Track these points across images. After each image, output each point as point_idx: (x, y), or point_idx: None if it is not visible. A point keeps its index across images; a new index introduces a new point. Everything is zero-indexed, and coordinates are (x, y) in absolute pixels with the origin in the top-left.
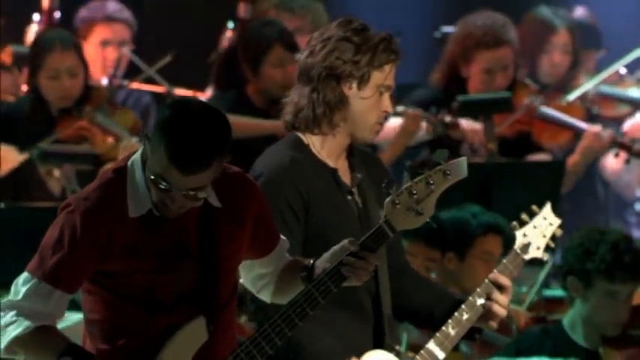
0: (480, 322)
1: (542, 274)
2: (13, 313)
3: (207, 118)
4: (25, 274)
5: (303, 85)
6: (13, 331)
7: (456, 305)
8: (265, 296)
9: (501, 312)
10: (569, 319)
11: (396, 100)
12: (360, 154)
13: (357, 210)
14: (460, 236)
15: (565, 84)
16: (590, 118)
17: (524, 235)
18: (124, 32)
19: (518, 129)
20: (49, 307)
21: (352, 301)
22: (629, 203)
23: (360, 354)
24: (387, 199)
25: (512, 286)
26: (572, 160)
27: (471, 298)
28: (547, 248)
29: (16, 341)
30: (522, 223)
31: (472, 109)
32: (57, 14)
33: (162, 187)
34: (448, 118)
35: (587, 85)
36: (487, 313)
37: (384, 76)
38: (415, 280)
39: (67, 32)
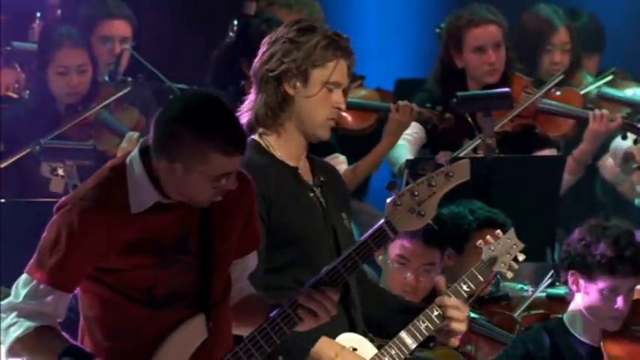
0: (440, 337)
1: (545, 280)
2: (14, 314)
3: (213, 99)
4: (24, 276)
5: (254, 89)
6: (14, 333)
7: (415, 312)
8: None
9: (459, 327)
10: (570, 314)
11: (397, 95)
12: (321, 164)
13: (321, 207)
14: (457, 231)
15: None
16: None
17: (491, 249)
18: (125, 29)
19: (520, 123)
20: (49, 307)
21: None
22: (629, 200)
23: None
24: (389, 200)
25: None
26: (581, 148)
27: (441, 298)
28: (510, 267)
29: (18, 342)
30: (488, 242)
31: (472, 105)
32: (58, 12)
33: (224, 182)
34: (443, 112)
35: (590, 87)
36: (447, 333)
37: (327, 72)
38: (373, 289)
39: (76, 29)
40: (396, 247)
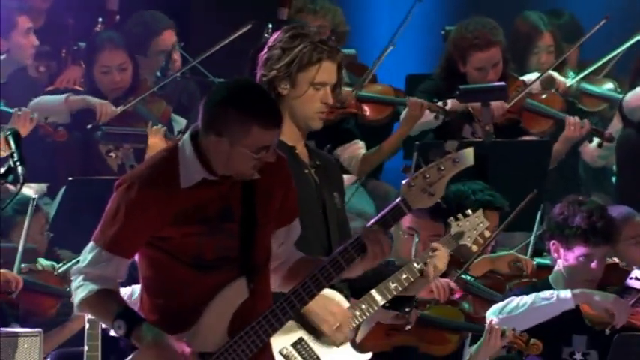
0: (419, 280)
1: (530, 247)
2: (81, 277)
3: (253, 84)
4: (90, 243)
5: None
6: (80, 294)
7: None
8: (274, 280)
9: (440, 264)
10: (553, 276)
11: (407, 88)
12: (318, 153)
13: (314, 184)
14: (458, 208)
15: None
16: (574, 111)
17: (459, 225)
18: (171, 36)
19: (508, 118)
20: (110, 271)
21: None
22: (607, 178)
23: None
24: (404, 182)
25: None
26: (555, 147)
27: (410, 263)
28: (476, 242)
29: (83, 302)
30: (457, 219)
31: (472, 97)
32: (117, 17)
33: (265, 153)
34: (447, 106)
35: (570, 82)
36: (427, 270)
37: (311, 75)
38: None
39: (117, 33)
40: (406, 220)
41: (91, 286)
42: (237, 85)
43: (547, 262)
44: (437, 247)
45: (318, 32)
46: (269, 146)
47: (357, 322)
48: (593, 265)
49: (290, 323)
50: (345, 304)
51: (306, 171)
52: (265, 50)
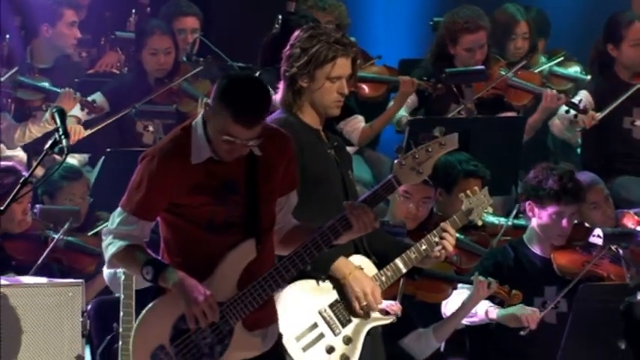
0: (429, 257)
1: (513, 212)
2: (110, 237)
3: (255, 85)
4: (118, 209)
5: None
6: (111, 250)
7: (404, 249)
8: None
9: (449, 248)
10: (528, 233)
11: (401, 71)
12: (336, 138)
13: (335, 161)
14: (447, 176)
15: (525, 62)
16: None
17: (470, 202)
18: (194, 22)
19: (493, 93)
20: (136, 231)
21: None
22: (573, 149)
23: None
24: (396, 161)
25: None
26: (534, 117)
27: (428, 236)
28: (481, 217)
29: (114, 257)
30: (468, 196)
31: (457, 79)
32: (148, 9)
33: (231, 141)
34: (436, 84)
35: (545, 66)
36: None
37: (328, 70)
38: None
39: (164, 21)
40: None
41: (120, 243)
42: (231, 80)
43: (523, 222)
44: (446, 228)
45: (334, 31)
46: (234, 135)
47: (384, 288)
48: (564, 222)
49: (328, 285)
50: (374, 270)
51: (329, 151)
52: (288, 47)
